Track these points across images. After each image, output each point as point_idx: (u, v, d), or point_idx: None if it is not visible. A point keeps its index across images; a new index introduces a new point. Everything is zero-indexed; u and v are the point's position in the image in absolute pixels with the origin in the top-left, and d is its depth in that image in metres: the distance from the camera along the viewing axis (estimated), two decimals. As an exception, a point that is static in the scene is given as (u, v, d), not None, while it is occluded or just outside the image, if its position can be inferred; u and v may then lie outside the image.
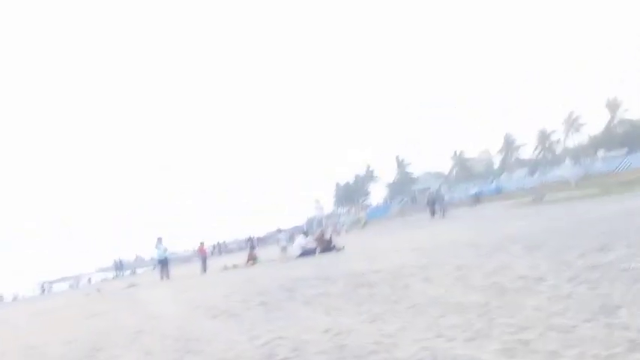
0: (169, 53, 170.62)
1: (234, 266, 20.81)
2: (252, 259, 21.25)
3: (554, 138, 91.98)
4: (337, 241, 19.93)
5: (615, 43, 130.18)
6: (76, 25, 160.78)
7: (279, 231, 27.48)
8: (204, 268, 23.20)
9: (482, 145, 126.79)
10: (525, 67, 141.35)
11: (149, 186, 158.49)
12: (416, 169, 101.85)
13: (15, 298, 51.36)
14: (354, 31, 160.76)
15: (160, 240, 22.80)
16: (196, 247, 26.76)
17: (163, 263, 22.82)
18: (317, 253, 18.37)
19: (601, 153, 75.82)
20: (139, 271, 57.41)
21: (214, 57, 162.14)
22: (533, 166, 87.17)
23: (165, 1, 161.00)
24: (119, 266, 61.92)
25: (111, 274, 60.72)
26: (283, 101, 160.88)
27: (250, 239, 51.22)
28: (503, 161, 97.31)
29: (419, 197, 75.45)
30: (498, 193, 60.69)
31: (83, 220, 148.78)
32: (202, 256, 24.42)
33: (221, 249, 60.74)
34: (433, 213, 32.80)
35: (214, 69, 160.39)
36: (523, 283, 6.58)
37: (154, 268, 35.57)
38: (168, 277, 22.22)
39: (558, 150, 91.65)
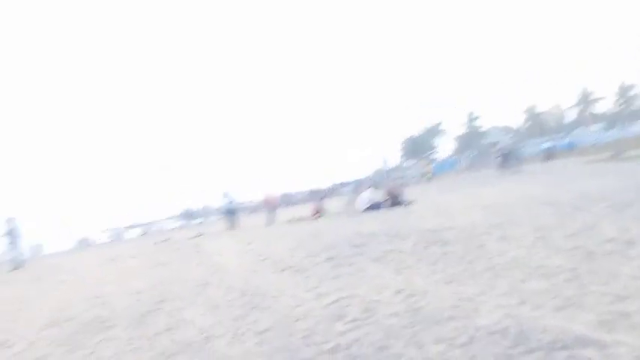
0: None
1: (300, 218, 20.74)
2: (319, 211, 21.16)
3: (632, 92, 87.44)
4: (406, 195, 19.43)
5: None
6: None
7: (343, 184, 27.23)
8: (272, 220, 23.33)
9: (554, 100, 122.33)
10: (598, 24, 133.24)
11: (217, 136, 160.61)
12: (485, 123, 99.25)
13: (88, 243, 53.86)
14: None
15: (226, 193, 23.09)
16: (264, 197, 26.73)
17: (230, 213, 23.13)
18: (385, 207, 18.03)
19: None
20: (207, 219, 58.78)
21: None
22: (610, 120, 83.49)
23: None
24: (188, 215, 63.64)
25: (180, 223, 62.53)
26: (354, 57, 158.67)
27: (318, 191, 51.54)
28: (579, 115, 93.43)
29: (488, 151, 73.68)
30: (572, 148, 58.38)
31: (155, 167, 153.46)
32: (269, 207, 24.50)
33: (287, 200, 61.42)
34: (506, 167, 31.47)
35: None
36: (613, 246, 6.00)
37: (220, 218, 36.27)
38: (235, 227, 22.48)
39: (637, 105, 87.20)
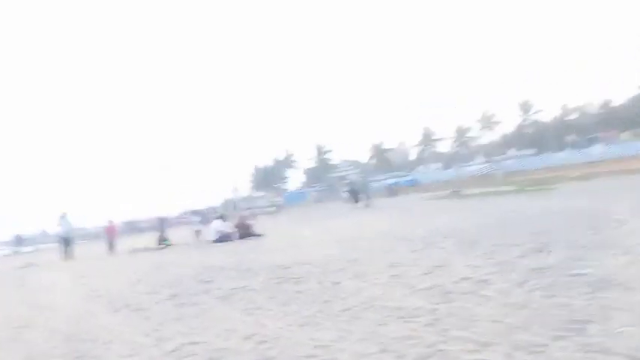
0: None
1: (145, 248, 19.44)
2: (162, 241, 19.92)
3: (470, 134, 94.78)
4: (256, 227, 18.94)
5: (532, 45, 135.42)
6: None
7: (194, 212, 26.00)
8: (112, 250, 21.61)
9: (401, 137, 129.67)
10: (448, 65, 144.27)
11: (66, 158, 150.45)
12: (334, 157, 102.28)
13: None
14: (265, 24, 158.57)
15: (64, 215, 20.94)
16: (106, 224, 24.52)
17: (67, 241, 21.04)
18: (235, 238, 17.40)
19: (512, 151, 78.98)
20: (42, 247, 54.07)
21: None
22: (449, 160, 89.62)
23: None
24: (19, 241, 58.27)
25: (10, 249, 56.99)
26: (203, 85, 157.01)
27: (165, 219, 49.35)
28: (421, 154, 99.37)
29: (337, 184, 75.71)
30: (414, 185, 61.54)
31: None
32: (110, 236, 22.67)
33: (132, 227, 58.61)
34: (356, 201, 32.11)
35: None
36: (468, 286, 5.93)
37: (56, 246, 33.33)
38: (71, 256, 20.55)
39: (472, 146, 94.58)
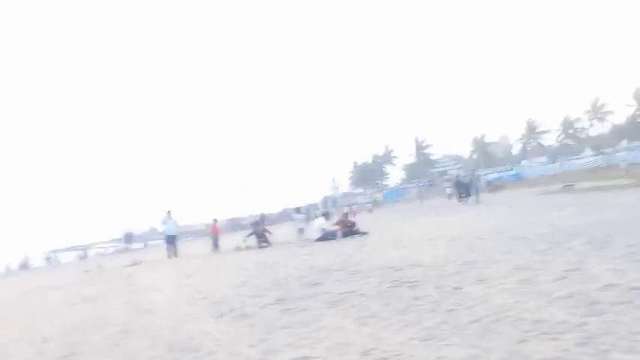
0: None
1: (247, 247, 19.35)
2: (264, 240, 19.56)
3: (577, 125, 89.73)
4: (361, 224, 18.37)
5: None
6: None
7: (297, 210, 25.61)
8: (216, 248, 21.76)
9: (503, 131, 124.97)
10: (552, 53, 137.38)
11: (165, 156, 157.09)
12: (434, 152, 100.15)
13: (24, 266, 50.70)
14: (367, 20, 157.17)
15: (169, 214, 21.27)
16: (210, 223, 24.87)
17: (171, 240, 21.39)
18: (339, 237, 16.95)
19: (624, 143, 73.87)
20: (151, 243, 56.33)
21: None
22: (554, 153, 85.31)
23: None
24: (129, 238, 61.05)
25: (120, 246, 59.87)
26: (303, 82, 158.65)
27: (261, 218, 49.67)
28: (524, 147, 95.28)
29: (438, 180, 74.06)
30: (519, 179, 59.09)
31: (99, 188, 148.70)
32: (214, 235, 22.82)
33: (235, 225, 59.70)
34: (466, 196, 30.13)
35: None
36: (617, 294, 5.02)
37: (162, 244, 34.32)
38: (176, 255, 20.88)
39: (580, 138, 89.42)
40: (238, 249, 19.48)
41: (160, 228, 23.37)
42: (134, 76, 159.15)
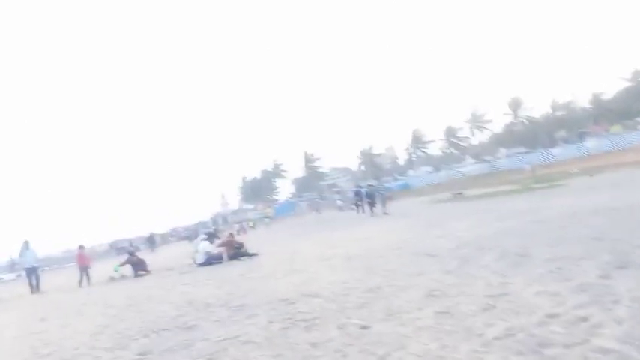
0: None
1: (122, 276, 17.25)
2: (141, 268, 17.45)
3: (460, 135, 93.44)
4: (249, 245, 16.89)
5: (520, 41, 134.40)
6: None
7: (183, 230, 23.58)
8: (82, 280, 18.76)
9: (390, 142, 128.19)
10: (436, 63, 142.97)
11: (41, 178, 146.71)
12: (323, 165, 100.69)
13: None
14: (251, 34, 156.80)
15: (26, 244, 18.45)
16: (77, 250, 20.75)
17: (31, 272, 18.60)
18: (225, 259, 15.40)
19: (503, 151, 77.65)
20: (10, 276, 50.05)
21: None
22: (439, 162, 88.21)
23: None
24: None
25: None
26: (186, 97, 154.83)
27: (151, 236, 46.99)
28: (410, 157, 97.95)
29: (328, 192, 74.15)
30: (406, 189, 60.28)
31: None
32: (82, 263, 19.14)
33: (118, 248, 56.39)
34: (371, 206, 28.45)
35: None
36: (566, 330, 3.99)
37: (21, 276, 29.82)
38: (39, 289, 18.21)
39: (462, 147, 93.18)
40: (112, 279, 17.36)
41: (19, 260, 20.37)
42: None
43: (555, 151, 57.87)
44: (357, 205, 30.90)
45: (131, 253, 18.64)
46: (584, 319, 4.13)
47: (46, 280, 20.53)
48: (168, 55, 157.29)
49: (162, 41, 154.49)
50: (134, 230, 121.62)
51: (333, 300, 6.49)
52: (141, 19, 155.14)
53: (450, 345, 4.07)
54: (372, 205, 28.39)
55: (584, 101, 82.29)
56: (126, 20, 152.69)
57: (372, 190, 30.24)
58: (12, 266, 55.39)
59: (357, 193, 32.46)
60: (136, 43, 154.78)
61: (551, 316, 4.35)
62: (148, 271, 17.02)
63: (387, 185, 53.95)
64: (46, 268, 45.60)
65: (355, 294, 6.60)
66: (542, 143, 71.74)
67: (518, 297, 5.13)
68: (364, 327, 5.03)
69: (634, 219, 8.96)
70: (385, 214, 26.04)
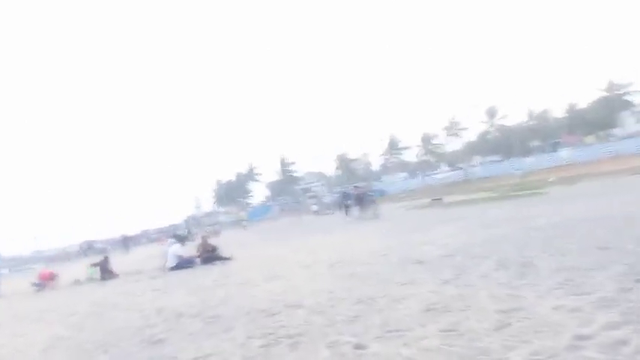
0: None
1: (89, 279, 16.32)
2: (108, 272, 16.55)
3: (435, 142, 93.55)
4: (222, 248, 16.07)
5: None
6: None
7: (156, 232, 22.76)
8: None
9: (366, 147, 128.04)
10: (414, 69, 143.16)
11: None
12: (298, 170, 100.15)
13: None
14: (226, 36, 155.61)
15: None
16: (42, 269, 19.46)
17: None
18: (197, 264, 14.64)
19: (477, 158, 77.98)
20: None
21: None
22: (414, 169, 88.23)
23: None
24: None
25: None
26: (161, 98, 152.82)
27: (125, 239, 45.87)
28: (385, 163, 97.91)
29: (302, 196, 73.53)
30: (382, 195, 59.90)
31: None
32: (41, 282, 17.09)
33: (88, 249, 55.19)
34: (361, 209, 27.60)
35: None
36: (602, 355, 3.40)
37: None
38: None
39: (438, 154, 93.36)
40: (77, 282, 16.41)
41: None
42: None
43: (529, 159, 58.00)
44: (346, 206, 30.04)
45: (106, 259, 17.69)
46: (623, 342, 3.52)
47: (9, 282, 19.43)
48: (140, 57, 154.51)
49: (134, 44, 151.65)
50: (105, 232, 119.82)
51: (320, 312, 5.79)
52: (115, 23, 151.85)
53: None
54: (361, 207, 27.57)
55: (560, 111, 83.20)
56: (103, 23, 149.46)
57: (360, 192, 29.49)
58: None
59: (346, 195, 31.67)
60: (105, 44, 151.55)
61: (582, 337, 3.72)
62: (116, 275, 16.15)
63: (375, 188, 53.64)
64: (12, 269, 44.37)
65: (344, 305, 5.91)
66: (516, 152, 72.07)
67: (534, 313, 4.49)
68: (359, 346, 4.34)
69: (635, 228, 8.44)
70: (375, 216, 25.26)
